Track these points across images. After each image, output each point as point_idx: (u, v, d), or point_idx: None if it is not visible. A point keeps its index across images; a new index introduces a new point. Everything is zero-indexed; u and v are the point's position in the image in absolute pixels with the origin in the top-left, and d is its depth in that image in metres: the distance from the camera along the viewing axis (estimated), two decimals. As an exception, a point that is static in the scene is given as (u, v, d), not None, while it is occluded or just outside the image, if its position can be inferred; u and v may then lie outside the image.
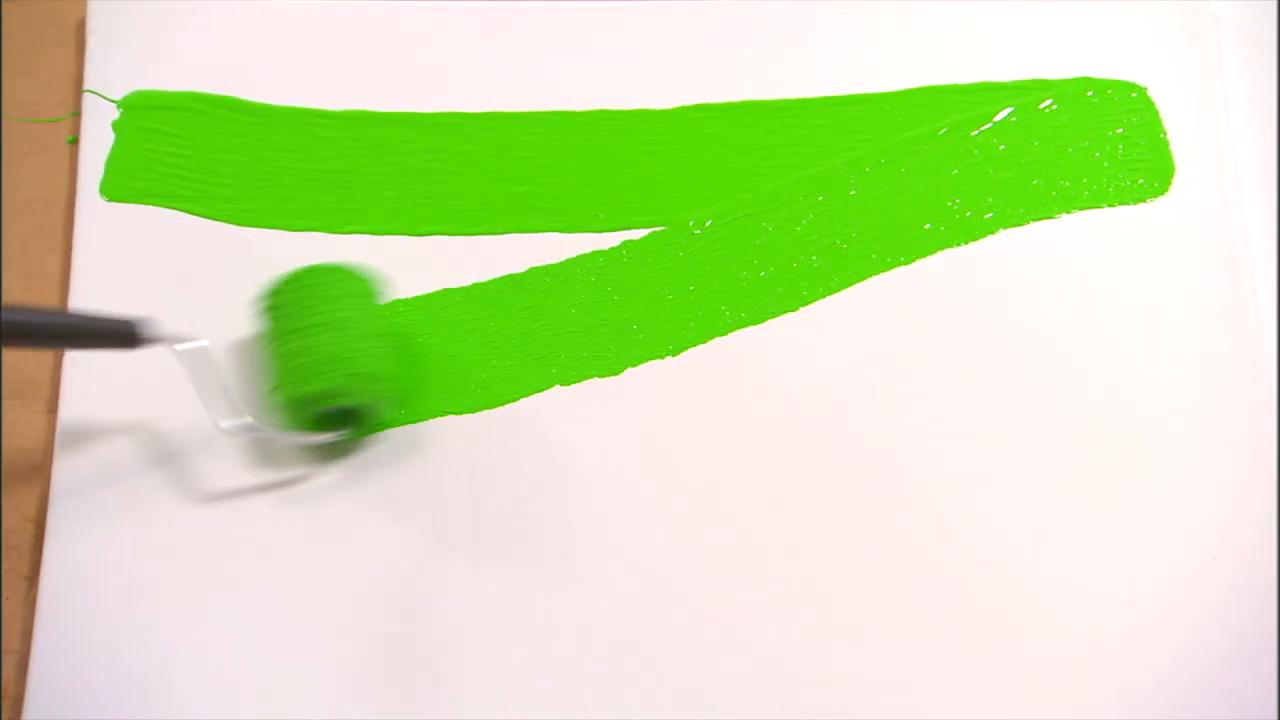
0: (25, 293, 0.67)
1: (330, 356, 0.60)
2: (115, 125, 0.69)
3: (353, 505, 0.62)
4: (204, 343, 0.61)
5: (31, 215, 0.69)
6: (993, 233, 0.68)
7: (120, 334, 0.59)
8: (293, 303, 0.62)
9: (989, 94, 0.70)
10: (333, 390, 0.60)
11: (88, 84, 0.70)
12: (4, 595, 0.62)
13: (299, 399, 0.61)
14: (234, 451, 0.63)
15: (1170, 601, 0.61)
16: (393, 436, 0.64)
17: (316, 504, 0.62)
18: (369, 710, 0.59)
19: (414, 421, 0.64)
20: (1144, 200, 0.68)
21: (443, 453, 0.63)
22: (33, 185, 0.69)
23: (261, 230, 0.68)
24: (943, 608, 0.61)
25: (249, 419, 0.61)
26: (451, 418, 0.64)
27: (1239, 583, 0.61)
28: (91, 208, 0.68)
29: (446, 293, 0.67)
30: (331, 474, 0.63)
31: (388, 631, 0.60)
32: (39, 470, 0.64)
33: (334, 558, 0.62)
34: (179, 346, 0.61)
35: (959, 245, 0.68)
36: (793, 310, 0.67)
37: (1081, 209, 0.68)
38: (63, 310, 0.61)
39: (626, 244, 0.68)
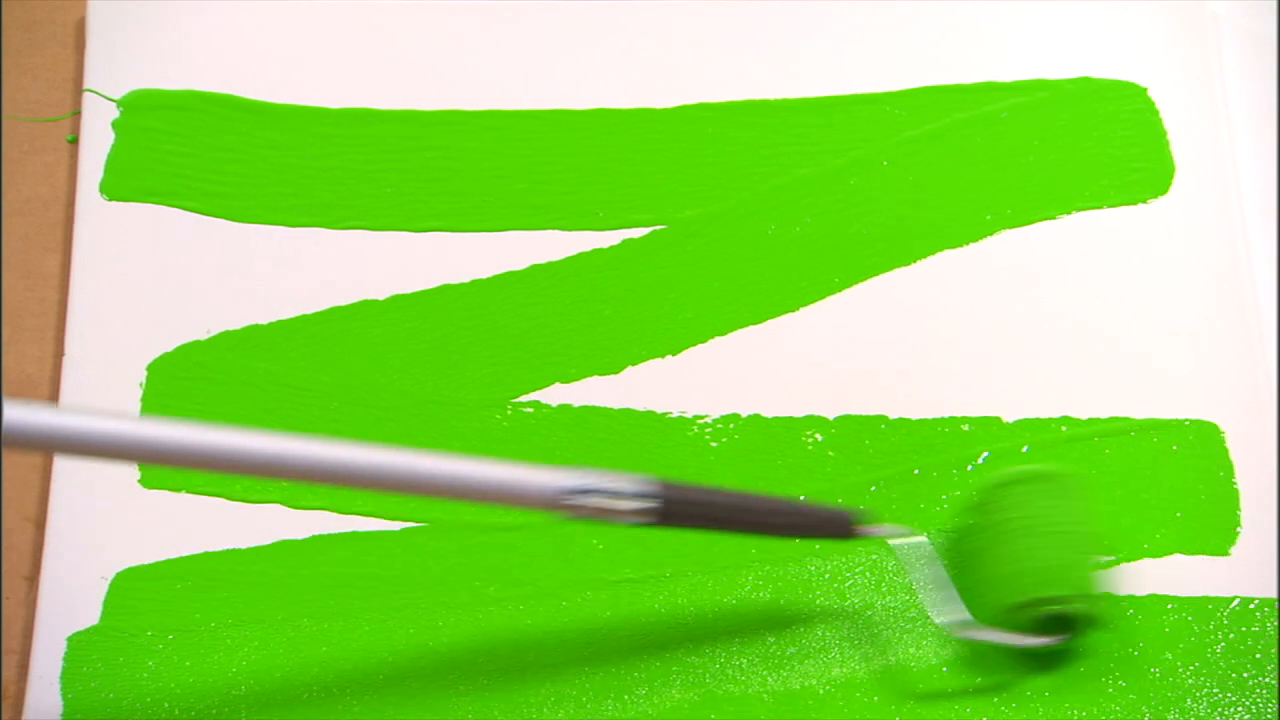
0: (25, 292, 0.67)
1: (1067, 563, 0.58)
2: (115, 124, 0.69)
3: None
4: (923, 539, 0.59)
5: (31, 214, 0.69)
6: (993, 233, 0.68)
7: (837, 524, 0.57)
8: (1023, 503, 0.60)
9: (989, 94, 0.70)
10: (1066, 597, 0.58)
11: (88, 83, 0.70)
12: (4, 595, 0.62)
13: (1027, 601, 0.58)
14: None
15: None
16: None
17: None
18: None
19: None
20: (1144, 200, 0.68)
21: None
22: (32, 185, 0.69)
23: (262, 227, 0.68)
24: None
25: (968, 615, 0.59)
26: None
27: (1242, 574, 0.61)
28: (91, 206, 0.68)
29: (446, 288, 0.67)
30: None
31: None
32: (39, 470, 0.64)
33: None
34: (894, 542, 0.59)
35: (959, 246, 0.68)
36: (793, 310, 0.67)
37: (1081, 209, 0.68)
38: (777, 499, 0.58)
39: (626, 243, 0.68)
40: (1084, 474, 0.62)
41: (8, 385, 0.65)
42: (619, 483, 0.54)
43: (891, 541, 0.59)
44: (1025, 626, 0.59)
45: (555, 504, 0.53)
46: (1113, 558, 0.61)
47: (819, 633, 0.61)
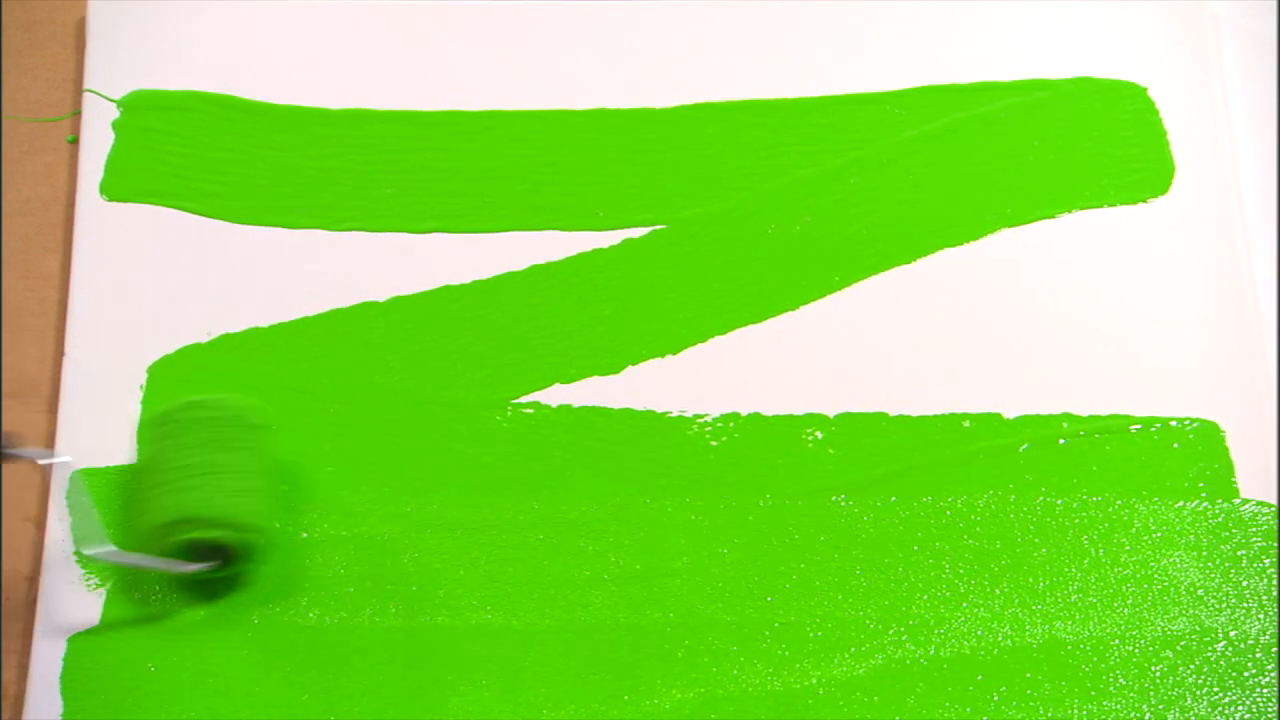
0: (25, 292, 0.67)
1: (212, 494, 0.59)
2: (115, 125, 0.69)
3: None
4: (68, 459, 0.60)
5: (31, 214, 0.69)
6: (992, 232, 0.68)
7: None
8: (173, 437, 0.61)
9: (989, 94, 0.70)
10: (203, 520, 0.59)
11: (88, 84, 0.70)
12: (4, 596, 0.62)
13: (166, 524, 0.59)
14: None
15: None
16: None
17: None
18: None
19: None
20: (1144, 200, 0.68)
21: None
22: (33, 185, 0.69)
23: (261, 228, 0.68)
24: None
25: (111, 545, 0.60)
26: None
27: (1239, 579, 0.61)
28: (91, 207, 0.68)
29: (447, 289, 0.67)
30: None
31: None
32: (39, 471, 0.64)
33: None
34: (43, 461, 0.60)
35: (959, 245, 0.68)
36: (793, 309, 0.67)
37: (1082, 209, 0.68)
38: None
39: (626, 243, 0.68)
40: (258, 408, 0.62)
41: (8, 385, 0.65)
42: None
43: (40, 461, 0.60)
44: (179, 553, 0.60)
45: None
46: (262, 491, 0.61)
47: (814, 632, 0.61)
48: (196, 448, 0.60)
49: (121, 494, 0.63)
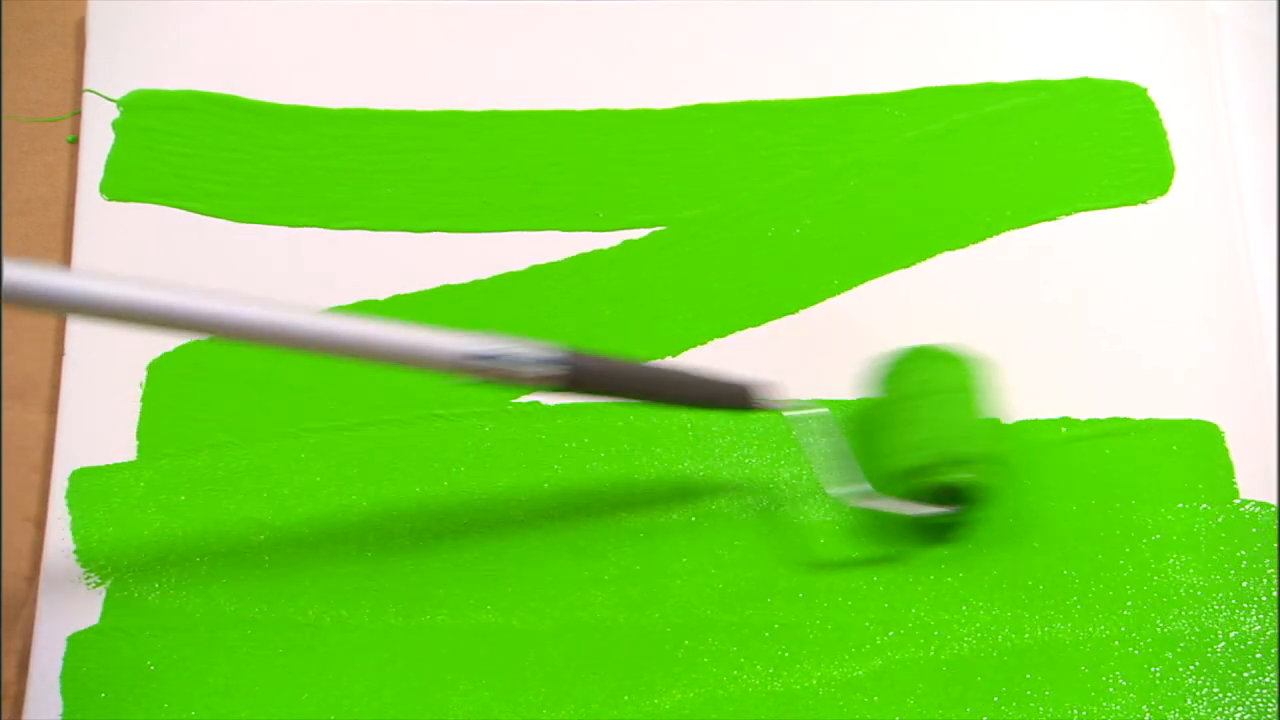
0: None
1: (960, 431, 0.60)
2: (115, 124, 0.69)
3: None
4: (825, 411, 0.61)
5: (31, 215, 0.69)
6: (993, 235, 0.68)
7: (738, 395, 0.59)
8: (922, 379, 0.61)
9: (989, 94, 0.70)
10: (958, 462, 0.59)
11: (88, 83, 0.70)
12: (4, 596, 0.62)
13: (919, 467, 0.60)
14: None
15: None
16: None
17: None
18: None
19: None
20: (1144, 201, 0.68)
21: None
22: (33, 185, 0.69)
23: (262, 227, 0.68)
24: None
25: (867, 485, 0.60)
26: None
27: (1239, 580, 0.61)
28: (92, 207, 0.68)
29: (446, 289, 0.67)
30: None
31: None
32: (39, 470, 0.64)
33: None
34: (793, 413, 0.60)
35: (959, 247, 0.68)
36: (793, 312, 0.67)
37: (1082, 210, 0.68)
38: (681, 370, 0.59)
39: (626, 243, 0.68)
40: (982, 358, 0.63)
41: (8, 385, 0.65)
42: (525, 349, 0.55)
43: (790, 413, 0.60)
44: (921, 496, 0.60)
45: (461, 366, 0.54)
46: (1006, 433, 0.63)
47: (814, 633, 0.61)
48: (942, 386, 0.61)
49: (857, 435, 0.63)
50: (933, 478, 0.60)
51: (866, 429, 0.63)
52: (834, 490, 0.61)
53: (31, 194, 0.69)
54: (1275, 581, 0.61)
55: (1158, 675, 0.60)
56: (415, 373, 0.55)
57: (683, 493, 0.63)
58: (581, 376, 0.56)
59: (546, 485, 0.63)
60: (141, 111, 0.70)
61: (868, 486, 0.60)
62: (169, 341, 0.65)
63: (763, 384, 0.59)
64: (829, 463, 0.61)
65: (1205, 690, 0.59)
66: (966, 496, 0.61)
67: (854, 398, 0.64)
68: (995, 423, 0.62)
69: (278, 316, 0.52)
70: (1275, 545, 0.62)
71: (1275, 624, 0.60)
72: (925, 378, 0.61)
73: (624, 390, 0.57)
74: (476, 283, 0.67)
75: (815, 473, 0.62)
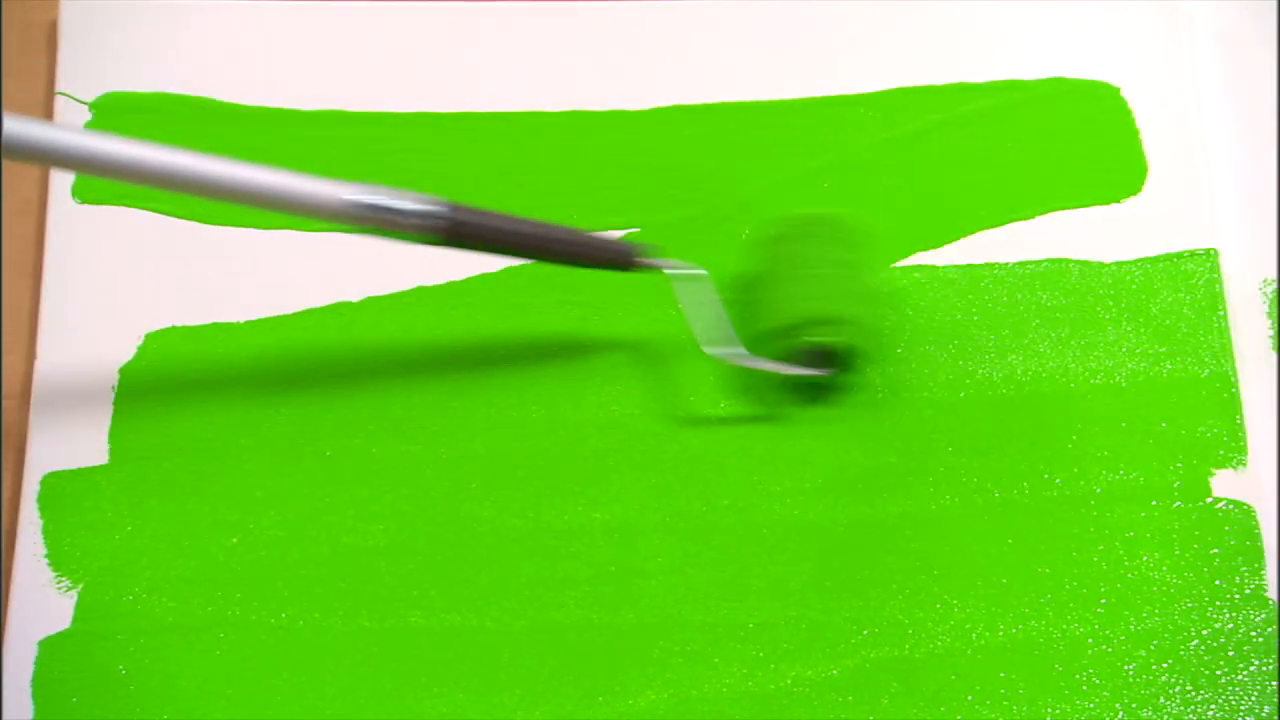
0: (28, 292, 0.67)
1: (830, 293, 0.62)
2: (87, 127, 0.69)
3: None
4: (703, 272, 0.62)
5: (31, 215, 0.69)
6: (967, 234, 0.68)
7: (619, 254, 0.60)
8: (797, 240, 0.63)
9: (963, 95, 0.70)
10: (824, 318, 0.61)
11: (60, 86, 0.70)
12: (4, 595, 0.62)
13: (787, 326, 0.62)
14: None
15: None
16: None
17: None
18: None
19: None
20: (1117, 200, 0.68)
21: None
22: (33, 186, 0.69)
23: (234, 229, 0.68)
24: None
25: (740, 347, 0.62)
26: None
27: (1212, 578, 0.61)
28: (65, 210, 0.68)
29: (420, 290, 0.67)
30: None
31: None
32: (11, 471, 0.64)
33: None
34: (672, 272, 0.62)
35: (934, 248, 0.68)
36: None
37: (1055, 209, 0.68)
38: (563, 228, 0.61)
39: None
40: (863, 219, 0.64)
41: (8, 385, 0.65)
42: (407, 199, 0.56)
43: (669, 272, 0.62)
44: (794, 358, 0.62)
45: (345, 214, 0.56)
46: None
47: (788, 632, 0.61)
48: (818, 254, 0.62)
49: (738, 301, 0.65)
50: (800, 338, 0.61)
51: (747, 294, 0.65)
52: (710, 349, 0.62)
53: (32, 195, 0.69)
54: (1248, 579, 0.61)
55: (1131, 673, 0.60)
56: (303, 220, 0.56)
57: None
58: (461, 229, 0.57)
59: (517, 485, 0.63)
60: (113, 114, 0.69)
61: (742, 349, 0.62)
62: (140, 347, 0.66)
63: (645, 245, 0.61)
64: (707, 323, 0.62)
65: (1178, 688, 0.59)
66: (840, 360, 0.62)
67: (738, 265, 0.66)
68: (870, 287, 0.63)
69: (165, 156, 0.53)
70: (1248, 544, 0.62)
71: (1248, 622, 0.60)
72: (803, 245, 0.63)
73: (504, 245, 0.59)
74: (451, 284, 0.67)
75: (693, 332, 0.63)
